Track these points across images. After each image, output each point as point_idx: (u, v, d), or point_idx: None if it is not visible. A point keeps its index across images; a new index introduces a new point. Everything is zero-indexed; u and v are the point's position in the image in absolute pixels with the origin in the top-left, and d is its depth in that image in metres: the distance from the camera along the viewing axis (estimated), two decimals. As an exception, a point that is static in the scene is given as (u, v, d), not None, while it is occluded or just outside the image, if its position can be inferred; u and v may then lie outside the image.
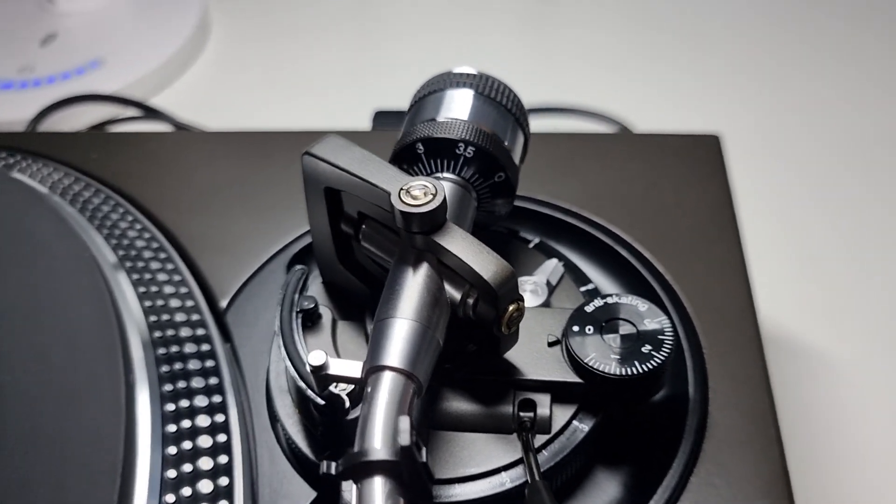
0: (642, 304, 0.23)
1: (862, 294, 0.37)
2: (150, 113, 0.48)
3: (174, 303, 0.27)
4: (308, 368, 0.20)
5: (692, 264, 0.27)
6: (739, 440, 0.23)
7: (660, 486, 0.22)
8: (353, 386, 0.21)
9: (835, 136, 0.45)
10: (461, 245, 0.20)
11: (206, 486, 0.22)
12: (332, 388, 0.21)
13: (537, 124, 0.28)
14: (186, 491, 0.22)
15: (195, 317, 0.27)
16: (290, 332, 0.23)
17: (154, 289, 0.27)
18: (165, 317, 0.27)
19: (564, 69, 0.53)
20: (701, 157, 0.31)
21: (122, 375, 0.24)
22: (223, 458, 0.23)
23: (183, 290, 0.28)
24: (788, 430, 0.30)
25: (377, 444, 0.18)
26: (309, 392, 0.21)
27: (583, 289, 0.26)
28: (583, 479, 0.23)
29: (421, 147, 0.24)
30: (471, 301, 0.21)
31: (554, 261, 0.26)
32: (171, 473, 0.22)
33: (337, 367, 0.20)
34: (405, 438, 0.17)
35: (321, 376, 0.20)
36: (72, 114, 0.50)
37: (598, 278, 0.27)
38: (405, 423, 0.17)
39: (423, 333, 0.20)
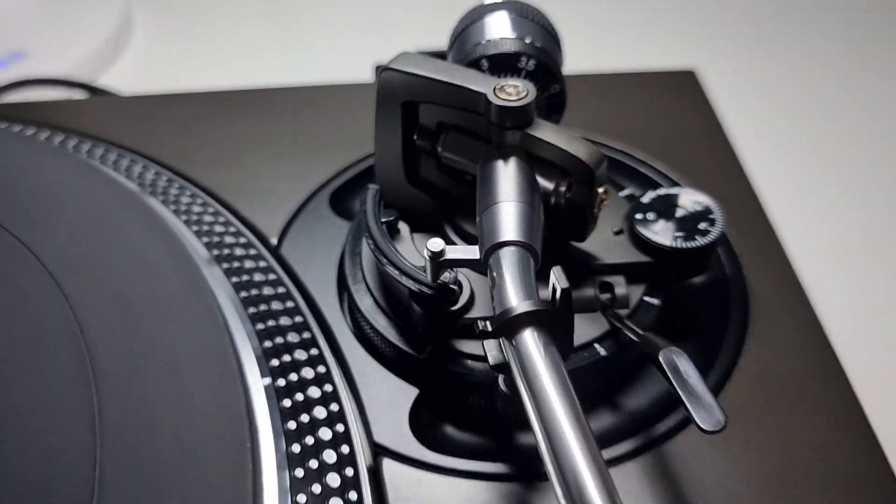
0: (688, 192, 0.26)
1: (849, 226, 0.41)
2: (99, 94, 0.47)
3: (229, 239, 0.28)
4: (427, 254, 0.22)
5: (701, 171, 0.31)
6: (777, 301, 0.26)
7: (723, 345, 0.25)
8: (453, 279, 0.23)
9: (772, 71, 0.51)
10: (556, 134, 0.23)
11: (320, 413, 0.23)
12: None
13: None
14: (304, 418, 0.22)
15: (252, 251, 0.27)
16: (382, 238, 0.24)
17: (206, 228, 0.28)
18: (226, 251, 0.27)
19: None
20: (682, 87, 0.35)
21: (217, 312, 0.24)
22: (321, 368, 0.24)
23: (232, 229, 0.28)
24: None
25: (521, 299, 0.19)
26: (417, 286, 0.23)
27: (621, 194, 0.28)
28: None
29: (486, 63, 0.25)
30: (563, 188, 0.23)
31: (594, 169, 0.28)
32: (287, 402, 0.22)
33: (454, 252, 0.22)
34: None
35: (438, 262, 0.22)
36: (9, 100, 0.47)
37: (628, 186, 0.30)
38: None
39: (530, 211, 0.22)
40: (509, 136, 0.23)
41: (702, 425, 0.19)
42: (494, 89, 0.22)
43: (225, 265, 0.26)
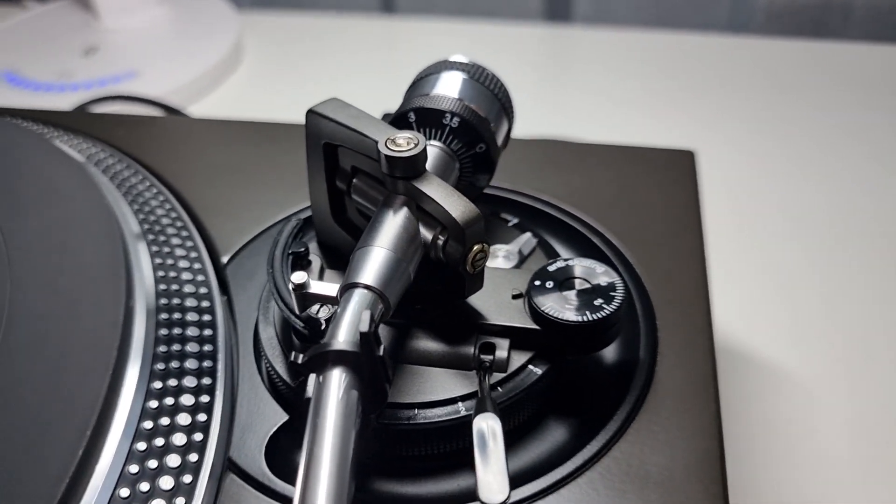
0: (599, 267, 0.25)
1: (816, 310, 0.40)
2: (175, 114, 0.51)
3: (180, 252, 0.30)
4: (291, 286, 0.23)
5: (655, 252, 0.30)
6: (680, 396, 0.25)
7: (603, 429, 0.24)
8: (332, 314, 0.24)
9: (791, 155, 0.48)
10: (437, 189, 0.23)
11: (188, 400, 0.24)
12: (311, 312, 0.24)
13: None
14: (169, 401, 0.24)
15: (197, 265, 0.30)
16: (280, 268, 0.25)
17: (165, 246, 0.30)
18: (170, 261, 0.29)
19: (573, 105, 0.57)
20: (676, 167, 0.34)
21: (124, 300, 0.26)
22: (207, 380, 0.25)
23: (189, 244, 0.31)
24: (732, 431, 0.32)
25: (339, 336, 0.20)
26: (289, 314, 0.24)
27: (551, 262, 0.28)
28: (536, 424, 0.25)
29: (413, 116, 0.26)
30: (441, 241, 0.23)
31: (528, 234, 0.28)
32: (157, 384, 0.24)
33: (316, 287, 0.23)
34: (364, 326, 0.19)
35: (301, 294, 0.23)
36: (106, 111, 0.53)
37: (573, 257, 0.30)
38: (366, 315, 0.20)
39: (398, 263, 0.22)
40: (399, 186, 0.24)
41: (480, 496, 0.19)
42: (387, 140, 0.23)
43: (160, 273, 0.28)
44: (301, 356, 0.20)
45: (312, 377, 0.20)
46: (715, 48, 0.64)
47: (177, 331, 0.26)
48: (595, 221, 0.31)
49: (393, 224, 0.23)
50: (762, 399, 0.35)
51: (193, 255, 0.30)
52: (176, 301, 0.27)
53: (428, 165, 0.25)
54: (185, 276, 0.29)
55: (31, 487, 0.20)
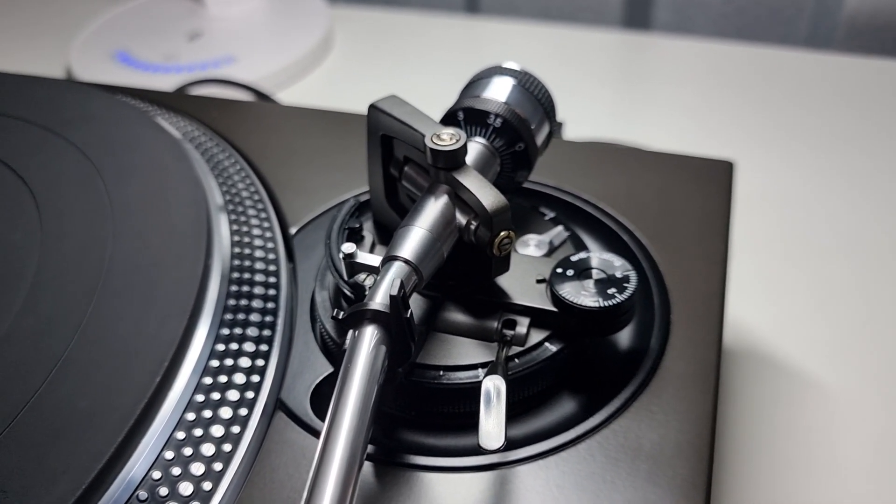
0: (617, 260, 0.28)
1: (844, 323, 0.41)
2: (263, 99, 0.56)
3: (255, 222, 0.34)
4: (341, 255, 0.26)
5: (679, 253, 0.32)
6: (682, 384, 0.27)
7: (606, 405, 0.27)
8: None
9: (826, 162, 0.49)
10: (472, 181, 0.26)
11: (249, 347, 0.28)
12: (358, 279, 0.27)
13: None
14: (234, 346, 0.28)
15: (268, 234, 0.34)
16: (336, 240, 0.29)
17: (243, 216, 0.34)
18: (245, 229, 0.33)
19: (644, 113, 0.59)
20: (713, 176, 0.36)
21: (203, 259, 0.30)
22: (267, 332, 0.29)
23: (263, 215, 0.35)
24: (735, 432, 0.35)
25: (376, 299, 0.23)
26: (338, 278, 0.27)
27: (574, 253, 0.31)
28: (548, 397, 0.28)
29: (461, 115, 0.30)
30: (472, 226, 0.26)
31: (560, 227, 0.31)
32: (225, 331, 0.28)
33: (363, 257, 0.26)
34: (394, 290, 0.23)
35: (349, 263, 0.26)
36: (204, 92, 0.59)
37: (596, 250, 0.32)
38: (398, 281, 0.23)
39: (433, 242, 0.26)
40: (441, 175, 0.27)
41: (480, 441, 0.22)
42: (433, 135, 0.27)
43: (236, 238, 0.32)
44: (342, 313, 0.24)
45: (350, 332, 0.24)
46: (791, 63, 0.64)
47: (245, 289, 0.30)
48: (628, 221, 0.34)
49: (433, 209, 0.26)
50: (779, 403, 0.37)
51: (266, 225, 0.34)
52: (247, 264, 0.32)
53: (470, 159, 0.29)
54: (258, 242, 0.33)
55: (116, 403, 0.25)
